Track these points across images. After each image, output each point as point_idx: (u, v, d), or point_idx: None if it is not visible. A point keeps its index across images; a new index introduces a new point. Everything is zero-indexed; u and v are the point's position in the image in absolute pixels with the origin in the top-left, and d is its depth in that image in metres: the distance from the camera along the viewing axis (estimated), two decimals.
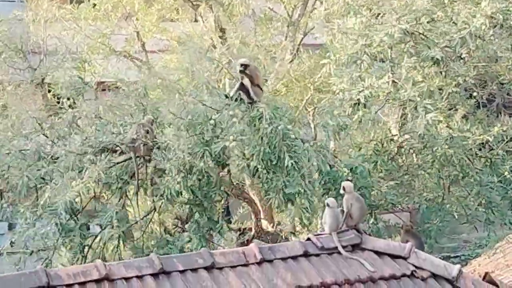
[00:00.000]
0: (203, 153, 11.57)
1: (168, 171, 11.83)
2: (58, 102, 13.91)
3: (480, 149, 13.28)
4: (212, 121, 11.67)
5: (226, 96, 12.15)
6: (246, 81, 12.00)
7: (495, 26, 12.54)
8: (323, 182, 12.18)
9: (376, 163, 13.26)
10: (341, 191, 9.98)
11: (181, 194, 12.02)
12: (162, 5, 19.30)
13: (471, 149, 13.02)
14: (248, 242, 13.31)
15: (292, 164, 11.40)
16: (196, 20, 19.35)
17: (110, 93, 15.71)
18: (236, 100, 12.05)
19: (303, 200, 11.62)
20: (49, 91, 14.55)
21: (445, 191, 13.50)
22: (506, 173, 13.04)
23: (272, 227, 14.69)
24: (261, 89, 12.21)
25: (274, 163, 11.72)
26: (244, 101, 12.04)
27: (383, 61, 13.01)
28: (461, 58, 12.83)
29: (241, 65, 12.03)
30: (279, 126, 11.55)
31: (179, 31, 19.49)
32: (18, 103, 14.73)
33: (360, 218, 9.42)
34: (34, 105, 15.08)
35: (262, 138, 11.58)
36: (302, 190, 11.52)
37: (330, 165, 12.26)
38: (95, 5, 19.27)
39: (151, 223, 12.93)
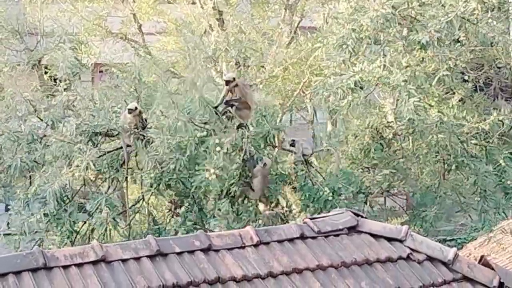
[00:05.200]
0: (177, 160, 11.64)
1: (144, 164, 11.83)
2: (55, 84, 13.86)
3: (475, 137, 13.24)
4: (196, 139, 11.69)
5: (216, 113, 12.01)
6: (233, 102, 11.89)
7: (492, 10, 12.47)
8: (302, 198, 12.39)
9: (369, 151, 13.25)
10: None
11: (158, 187, 12.03)
12: None
13: (466, 137, 13.01)
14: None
15: None
16: (193, 2, 19.29)
17: (106, 75, 15.65)
18: (224, 113, 11.99)
19: None
20: (46, 72, 14.50)
21: (440, 178, 13.48)
22: (501, 161, 13.00)
23: (269, 209, 14.71)
24: (249, 106, 12.04)
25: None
26: (233, 116, 11.93)
27: (379, 44, 12.95)
28: (458, 41, 12.77)
29: (225, 81, 11.92)
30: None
31: (177, 13, 19.44)
32: (14, 84, 14.68)
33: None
34: (30, 86, 15.03)
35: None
36: None
37: (312, 183, 12.30)
38: None
39: (142, 208, 12.92)
